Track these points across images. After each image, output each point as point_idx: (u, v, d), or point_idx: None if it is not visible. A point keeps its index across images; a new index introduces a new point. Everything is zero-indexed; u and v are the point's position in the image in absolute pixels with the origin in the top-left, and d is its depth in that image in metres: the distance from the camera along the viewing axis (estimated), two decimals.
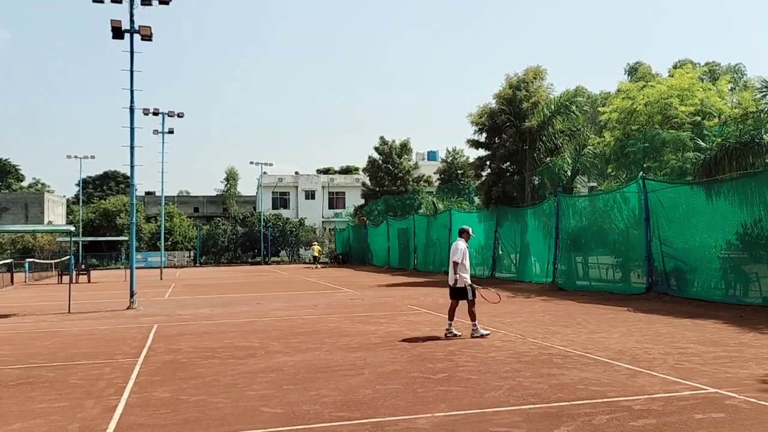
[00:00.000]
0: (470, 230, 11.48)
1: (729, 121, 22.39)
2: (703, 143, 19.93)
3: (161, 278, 32.93)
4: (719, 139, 19.24)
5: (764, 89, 16.68)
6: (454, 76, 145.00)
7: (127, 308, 17.29)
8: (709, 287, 14.89)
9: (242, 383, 7.61)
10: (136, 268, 19.57)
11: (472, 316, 10.80)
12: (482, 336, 10.63)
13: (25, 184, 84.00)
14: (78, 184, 67.01)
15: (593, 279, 19.79)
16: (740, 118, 22.00)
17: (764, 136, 17.20)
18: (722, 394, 6.49)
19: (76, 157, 55.78)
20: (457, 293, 10.95)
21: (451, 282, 11.06)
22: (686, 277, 15.68)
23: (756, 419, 5.61)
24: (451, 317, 10.98)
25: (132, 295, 17.66)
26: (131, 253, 19.11)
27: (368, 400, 6.62)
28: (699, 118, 22.84)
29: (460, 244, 11.03)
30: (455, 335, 10.72)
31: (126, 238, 41.14)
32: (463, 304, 10.89)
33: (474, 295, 10.90)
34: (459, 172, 50.70)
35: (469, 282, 10.95)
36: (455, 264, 10.83)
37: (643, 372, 7.68)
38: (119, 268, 46.56)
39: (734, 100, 24.81)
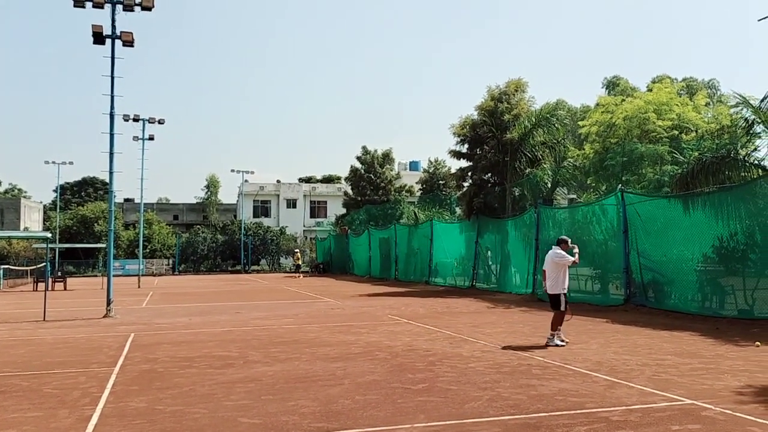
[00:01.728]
0: (569, 241, 11.56)
1: (705, 135, 22.81)
2: (680, 157, 20.25)
3: (139, 286, 32.56)
4: (696, 153, 19.58)
5: (739, 104, 16.97)
6: (437, 86, 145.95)
7: (104, 316, 17.05)
8: (686, 299, 15.07)
9: (220, 393, 7.53)
10: (114, 275, 19.32)
11: (554, 326, 10.89)
12: (557, 345, 10.64)
13: (1, 189, 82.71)
14: (56, 190, 66.04)
15: (572, 290, 19.78)
16: (716, 133, 22.43)
17: (740, 150, 17.53)
18: (698, 406, 6.57)
19: (54, 162, 55.09)
20: (562, 302, 11.05)
21: (554, 290, 11.13)
22: (664, 289, 15.87)
23: (731, 431, 5.67)
24: (558, 325, 10.99)
25: (109, 303, 17.43)
26: (109, 260, 18.87)
27: (347, 411, 6.59)
28: (676, 133, 23.24)
29: (559, 251, 11.20)
30: (557, 345, 10.70)
31: (104, 246, 40.54)
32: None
33: (566, 307, 11.00)
34: (441, 182, 50.88)
35: (566, 290, 11.10)
36: (571, 265, 11.09)
37: (620, 383, 7.74)
38: (96, 276, 45.93)
39: (710, 115, 25.30)
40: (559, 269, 11.14)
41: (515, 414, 6.36)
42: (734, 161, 16.31)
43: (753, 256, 13.84)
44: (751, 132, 17.13)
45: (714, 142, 20.96)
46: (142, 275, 38.30)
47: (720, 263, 14.45)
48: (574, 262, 11.26)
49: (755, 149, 19.08)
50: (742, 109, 17.01)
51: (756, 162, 16.54)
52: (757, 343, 10.44)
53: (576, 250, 11.45)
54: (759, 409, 6.40)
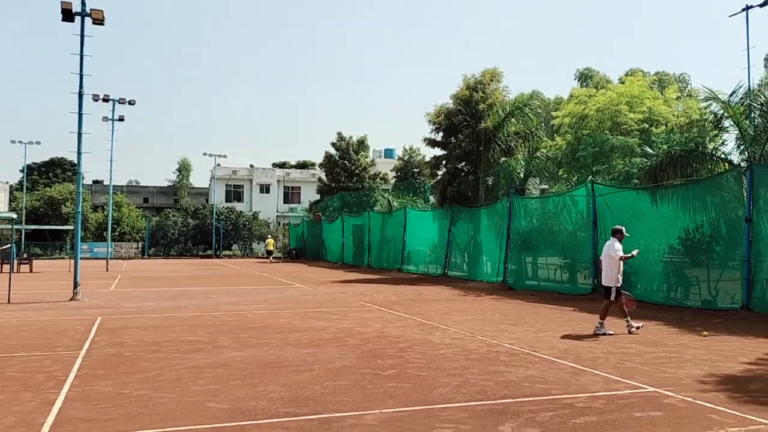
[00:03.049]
0: (624, 230, 11.40)
1: (675, 129, 23.20)
2: (649, 149, 20.55)
3: (107, 269, 32.07)
4: (665, 146, 19.87)
5: (708, 99, 17.25)
6: (413, 74, 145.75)
7: (71, 299, 16.78)
8: (652, 289, 15.37)
9: (188, 378, 7.48)
10: (81, 258, 19.01)
11: (603, 315, 10.89)
12: (605, 334, 10.66)
13: None
14: (22, 171, 64.71)
15: (542, 279, 20.20)
16: (685, 127, 22.82)
17: (707, 144, 17.85)
18: (661, 393, 6.72)
19: (20, 142, 54.00)
20: (612, 293, 11.00)
21: (608, 282, 11.05)
22: (630, 279, 16.08)
23: (692, 418, 5.82)
24: (605, 316, 10.95)
25: (76, 286, 17.16)
26: (76, 242, 18.54)
27: (316, 396, 6.60)
28: (647, 125, 23.60)
29: (616, 245, 11.05)
30: (605, 333, 10.72)
31: (71, 228, 39.87)
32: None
33: (617, 298, 10.94)
34: (415, 170, 50.97)
35: (620, 284, 11.00)
36: (620, 260, 10.86)
37: (586, 370, 7.88)
38: (63, 258, 45.14)
39: (680, 109, 25.74)
40: (612, 262, 10.99)
41: (483, 400, 6.44)
42: (702, 155, 16.61)
43: (717, 248, 14.16)
44: (719, 126, 17.44)
45: (683, 136, 21.31)
46: (111, 258, 37.75)
47: (685, 255, 14.75)
48: (624, 258, 10.97)
49: (723, 143, 19.43)
50: (710, 104, 17.29)
51: (723, 156, 16.86)
52: (705, 333, 10.77)
53: (635, 252, 11.20)
54: (719, 397, 6.57)
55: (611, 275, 11.01)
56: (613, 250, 10.99)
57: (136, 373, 7.78)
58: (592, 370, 7.87)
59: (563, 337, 10.62)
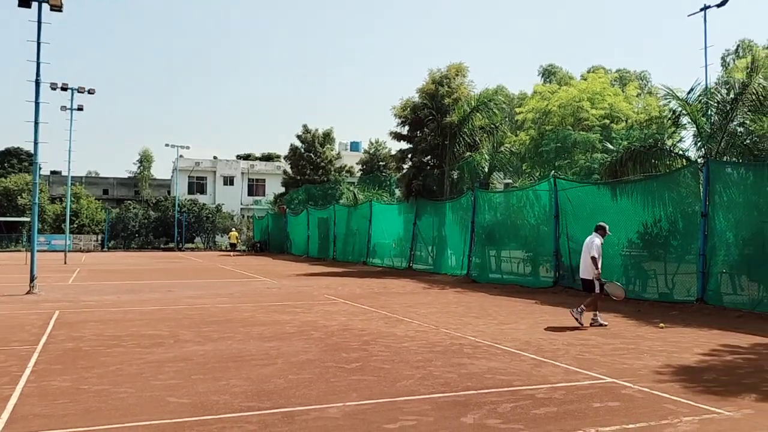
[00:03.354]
0: (607, 228, 11.57)
1: (635, 125, 23.71)
2: (610, 145, 20.97)
3: (65, 262, 31.32)
4: (625, 142, 20.31)
5: (667, 96, 17.66)
6: (379, 67, 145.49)
7: (27, 293, 16.34)
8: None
9: (148, 373, 7.37)
10: (39, 251, 18.54)
11: (593, 307, 11.06)
12: (601, 325, 10.83)
13: None
14: None
15: (505, 272, 20.45)
16: (645, 123, 23.34)
17: (666, 140, 18.28)
18: (619, 384, 6.88)
19: None
20: (587, 285, 11.26)
21: (585, 276, 11.28)
22: None
23: (648, 407, 5.98)
24: (595, 308, 11.12)
25: (32, 279, 16.72)
26: (33, 234, 18.04)
27: (280, 390, 6.57)
28: (608, 122, 24.06)
29: (596, 241, 11.21)
30: (601, 325, 10.92)
31: (27, 219, 38.86)
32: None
33: (601, 289, 11.09)
34: (381, 163, 50.94)
35: (598, 276, 11.09)
36: (593, 259, 10.99)
37: (547, 362, 8.02)
38: (20, 251, 43.87)
39: (640, 106, 26.31)
40: (588, 256, 11.21)
41: (446, 392, 6.50)
42: (661, 151, 17.01)
43: (675, 242, 14.53)
44: (678, 123, 17.88)
45: (642, 132, 21.80)
46: (69, 251, 36.88)
47: (644, 248, 15.11)
48: (595, 264, 11.05)
49: (680, 140, 19.97)
50: (669, 102, 17.69)
51: (681, 152, 17.30)
52: (662, 324, 11.07)
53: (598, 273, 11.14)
54: (674, 387, 6.76)
55: (589, 268, 11.22)
56: (592, 246, 11.19)
57: (95, 367, 7.63)
58: (552, 362, 8.01)
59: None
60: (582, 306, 11.12)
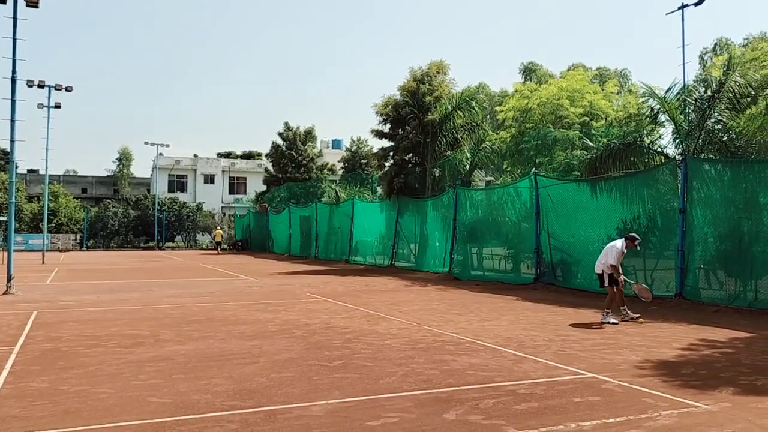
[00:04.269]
0: (637, 242, 11.52)
1: (614, 122, 23.94)
2: (590, 143, 21.13)
3: (43, 262, 30.90)
4: (605, 140, 20.48)
5: (645, 94, 17.86)
6: (361, 65, 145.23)
7: (4, 293, 16.10)
8: (592, 279, 15.70)
9: (128, 373, 7.30)
10: (16, 250, 18.26)
11: (620, 302, 11.22)
12: (610, 323, 10.81)
13: None
14: None
15: (487, 269, 20.55)
16: (624, 121, 23.57)
17: (645, 138, 18.48)
18: (599, 379, 6.95)
19: None
20: (605, 280, 11.33)
21: (597, 271, 11.49)
22: (571, 269, 16.61)
23: (628, 402, 6.04)
24: (621, 303, 11.26)
25: (9, 279, 16.48)
26: (9, 233, 17.76)
27: (262, 389, 6.54)
28: (587, 119, 24.26)
29: (617, 245, 11.30)
30: (632, 318, 11.08)
31: (4, 219, 38.15)
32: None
33: (610, 284, 11.18)
34: (363, 161, 50.92)
35: (611, 271, 11.18)
36: (613, 267, 11.11)
37: (528, 358, 8.08)
38: None
39: (619, 104, 26.57)
40: (608, 254, 11.28)
41: (428, 388, 6.52)
42: (639, 148, 17.19)
43: (653, 239, 14.70)
44: (656, 121, 18.08)
45: (622, 130, 22.01)
46: (47, 251, 36.40)
47: None
48: (616, 268, 11.20)
49: (659, 137, 20.17)
50: (648, 99, 17.89)
51: (659, 149, 17.48)
52: (641, 320, 11.21)
53: (623, 278, 11.45)
54: (653, 381, 6.85)
55: (603, 261, 11.33)
56: (612, 251, 11.27)
57: (74, 368, 7.53)
58: (533, 358, 8.07)
59: (506, 325, 10.83)
60: (605, 310, 11.15)
